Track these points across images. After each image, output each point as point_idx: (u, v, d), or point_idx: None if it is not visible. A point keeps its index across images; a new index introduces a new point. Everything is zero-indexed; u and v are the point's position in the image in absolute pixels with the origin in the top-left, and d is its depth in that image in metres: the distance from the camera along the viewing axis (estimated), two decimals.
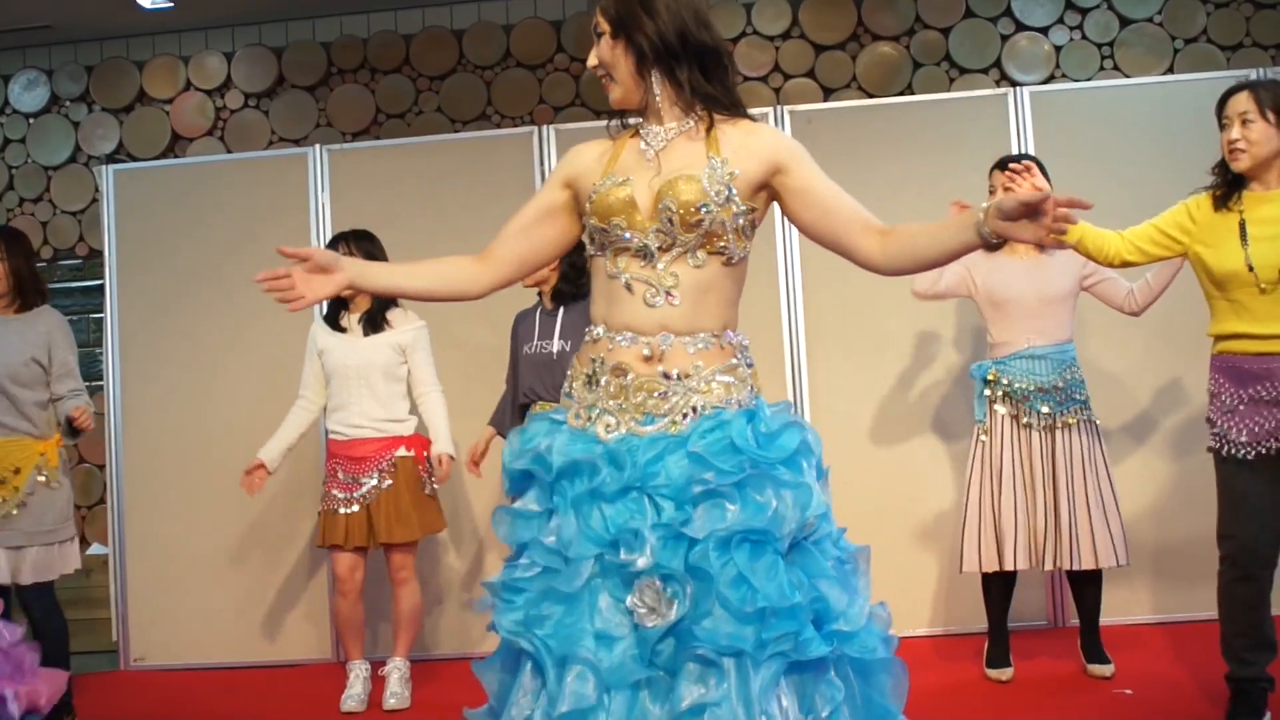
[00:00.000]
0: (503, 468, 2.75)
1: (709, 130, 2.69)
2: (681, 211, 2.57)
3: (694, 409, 2.58)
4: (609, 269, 2.68)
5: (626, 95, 2.73)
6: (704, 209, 2.58)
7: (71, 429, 5.12)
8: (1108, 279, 4.99)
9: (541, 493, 2.67)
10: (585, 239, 2.76)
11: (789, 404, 2.72)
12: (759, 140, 2.68)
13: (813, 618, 2.47)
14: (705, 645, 2.40)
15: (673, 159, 2.66)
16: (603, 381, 2.65)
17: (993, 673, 5.11)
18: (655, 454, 2.53)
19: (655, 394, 2.60)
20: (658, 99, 2.71)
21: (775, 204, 2.76)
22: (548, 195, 2.84)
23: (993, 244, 2.50)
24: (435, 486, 5.41)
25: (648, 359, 2.61)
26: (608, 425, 2.61)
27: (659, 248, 2.62)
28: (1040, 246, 4.92)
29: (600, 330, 2.69)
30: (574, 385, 2.72)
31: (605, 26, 2.71)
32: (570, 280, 5.13)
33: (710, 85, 2.70)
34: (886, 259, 2.61)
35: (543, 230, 2.83)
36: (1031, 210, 2.39)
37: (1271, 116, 4.05)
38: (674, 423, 2.57)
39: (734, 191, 2.61)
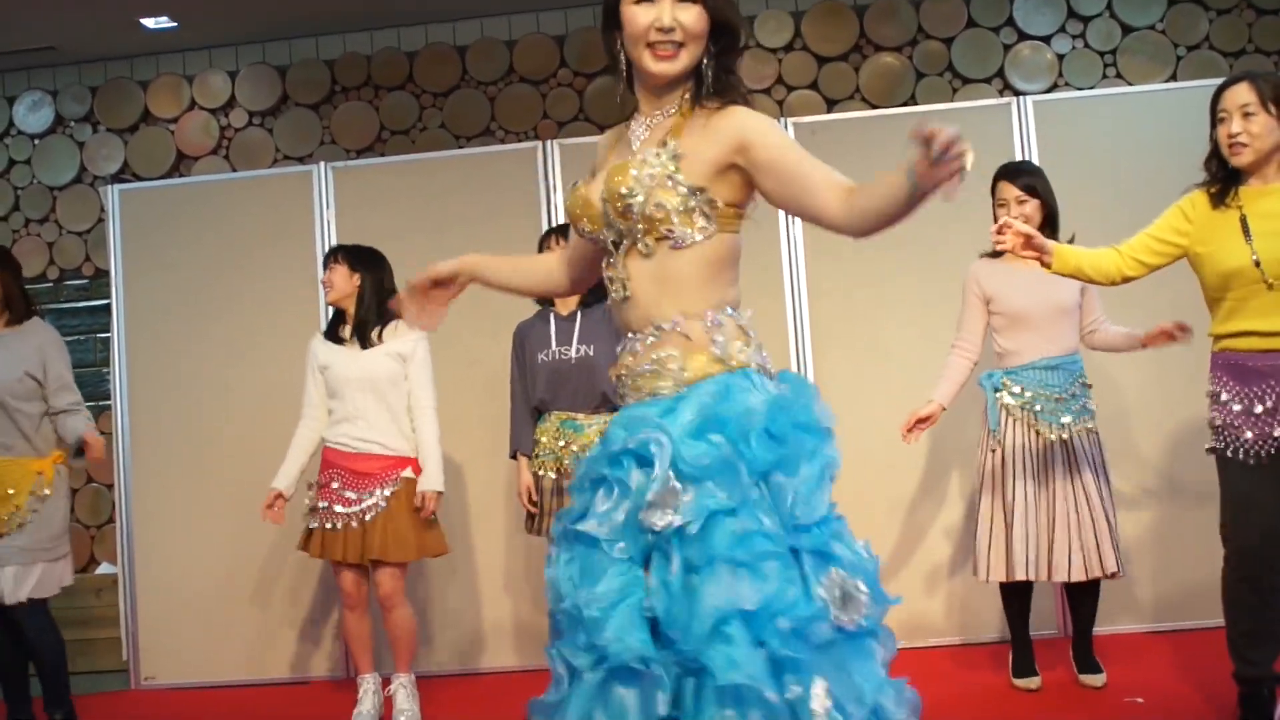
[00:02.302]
0: None
1: (684, 115, 2.64)
2: (612, 200, 2.59)
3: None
4: (602, 269, 2.74)
5: (684, 70, 2.63)
6: (628, 195, 2.56)
7: (80, 453, 5.15)
8: (1091, 299, 4.98)
9: None
10: None
11: (723, 384, 2.57)
12: (725, 121, 2.59)
13: (664, 627, 2.44)
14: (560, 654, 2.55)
15: (644, 148, 2.65)
16: None
17: (1020, 682, 5.08)
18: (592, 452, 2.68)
19: (619, 396, 2.71)
20: (685, 80, 2.66)
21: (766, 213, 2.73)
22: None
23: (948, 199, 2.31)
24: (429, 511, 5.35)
25: (621, 360, 2.69)
26: None
27: (613, 242, 2.64)
28: None
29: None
30: None
31: None
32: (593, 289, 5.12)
33: (733, 71, 2.67)
34: (849, 217, 2.49)
35: None
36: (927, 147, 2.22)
37: (1273, 108, 3.95)
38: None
39: (678, 173, 2.56)
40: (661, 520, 2.43)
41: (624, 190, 2.57)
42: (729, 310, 2.63)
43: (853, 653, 2.45)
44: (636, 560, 2.48)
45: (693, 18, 2.57)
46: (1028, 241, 4.08)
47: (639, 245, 2.60)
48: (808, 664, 2.37)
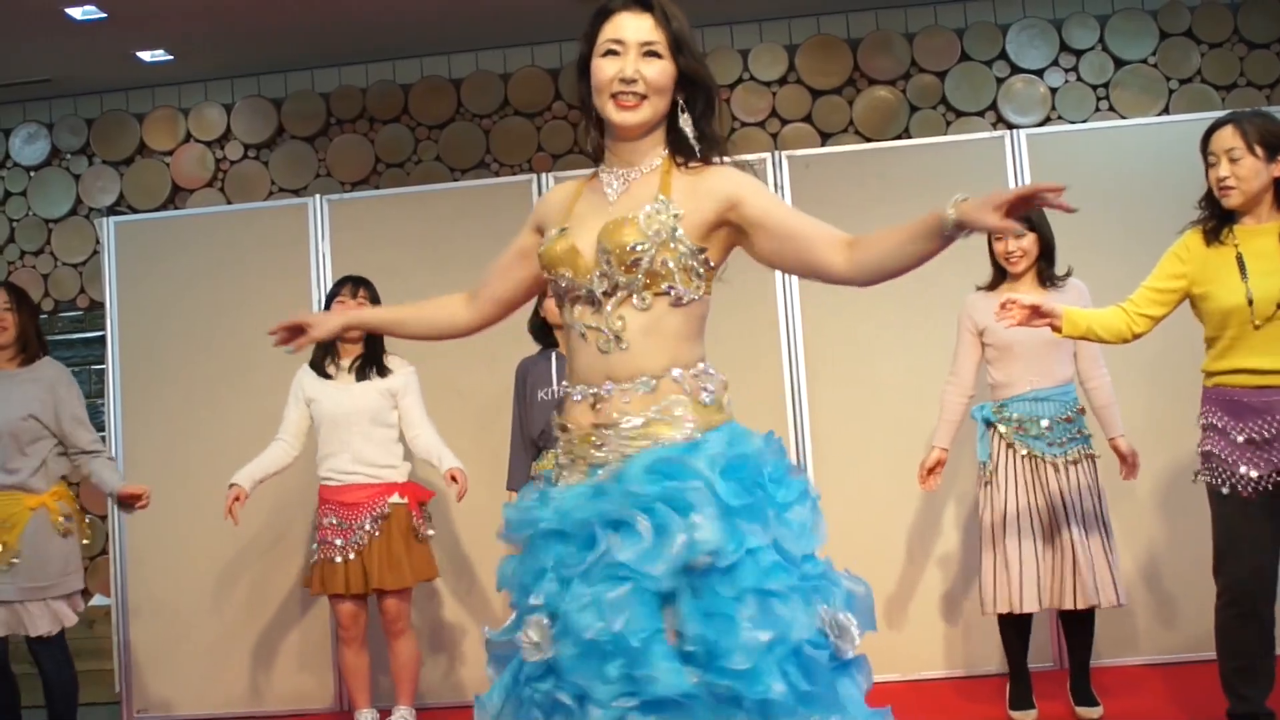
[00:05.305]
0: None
1: (667, 173, 2.66)
2: (617, 253, 2.57)
3: (625, 456, 2.58)
4: (567, 318, 2.70)
5: (650, 120, 2.66)
6: (639, 248, 2.56)
7: (123, 504, 5.19)
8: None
9: None
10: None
11: (729, 432, 2.62)
12: (713, 180, 2.65)
13: (702, 658, 2.43)
14: (564, 686, 2.47)
15: (628, 202, 2.65)
16: (559, 439, 2.71)
17: (1017, 715, 5.04)
18: (579, 500, 2.57)
19: (593, 445, 2.61)
20: (651, 133, 2.69)
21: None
22: (521, 239, 2.91)
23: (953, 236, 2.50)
24: (429, 534, 5.38)
25: (592, 409, 2.63)
26: (564, 479, 2.66)
27: (604, 292, 2.61)
28: (1043, 285, 4.89)
29: (565, 386, 2.72)
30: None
31: (664, 43, 2.64)
32: None
33: (710, 126, 2.70)
34: (855, 270, 2.55)
35: (518, 272, 2.92)
36: (1025, 203, 2.40)
37: (1259, 150, 3.99)
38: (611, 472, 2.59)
39: (679, 232, 2.58)
40: (702, 557, 2.43)
41: (633, 244, 2.56)
42: (705, 366, 2.67)
43: (846, 684, 2.51)
44: (657, 597, 2.47)
45: (656, 71, 2.62)
46: (1035, 311, 4.13)
47: (635, 298, 2.60)
48: (821, 697, 2.43)
